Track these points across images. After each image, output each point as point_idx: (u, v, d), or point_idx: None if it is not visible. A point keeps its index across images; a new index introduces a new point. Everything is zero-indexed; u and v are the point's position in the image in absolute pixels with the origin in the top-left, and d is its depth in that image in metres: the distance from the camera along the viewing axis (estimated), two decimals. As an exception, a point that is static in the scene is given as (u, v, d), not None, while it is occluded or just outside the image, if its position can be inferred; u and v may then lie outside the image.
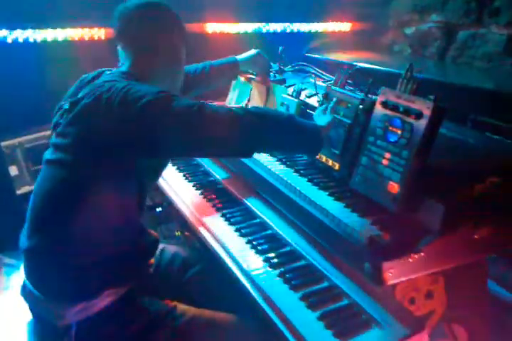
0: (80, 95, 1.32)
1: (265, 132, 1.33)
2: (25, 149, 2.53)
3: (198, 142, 1.28)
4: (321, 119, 1.49)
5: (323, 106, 1.55)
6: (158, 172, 1.56)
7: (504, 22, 2.30)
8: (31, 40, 2.28)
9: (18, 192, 2.50)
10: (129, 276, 1.40)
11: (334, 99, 1.51)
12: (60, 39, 2.35)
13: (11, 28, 2.23)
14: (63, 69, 2.12)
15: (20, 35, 2.25)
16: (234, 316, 1.49)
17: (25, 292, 1.39)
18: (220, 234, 1.59)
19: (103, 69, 1.50)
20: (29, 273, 1.38)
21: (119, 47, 1.49)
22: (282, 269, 1.39)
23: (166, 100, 1.23)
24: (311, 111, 1.72)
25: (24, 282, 1.40)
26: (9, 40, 2.24)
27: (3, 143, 2.46)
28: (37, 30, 2.28)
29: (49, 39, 2.32)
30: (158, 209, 2.63)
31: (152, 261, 1.59)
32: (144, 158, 1.33)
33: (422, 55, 2.74)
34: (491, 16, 2.36)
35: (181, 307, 1.47)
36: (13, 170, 2.52)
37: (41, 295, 1.34)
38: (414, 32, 2.78)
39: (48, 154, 1.36)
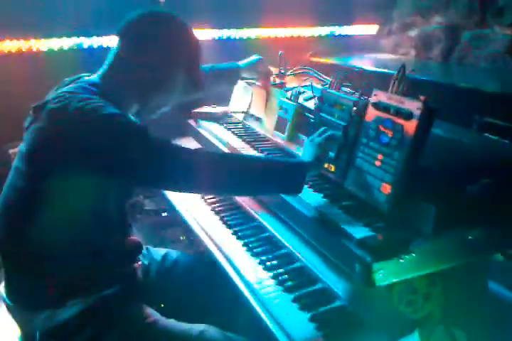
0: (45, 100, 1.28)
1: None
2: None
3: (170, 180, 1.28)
4: (306, 151, 1.44)
5: (313, 135, 1.49)
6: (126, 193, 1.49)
7: (508, 22, 2.28)
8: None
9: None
10: (95, 285, 1.33)
11: (322, 129, 1.49)
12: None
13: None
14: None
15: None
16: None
17: (3, 302, 1.36)
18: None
19: (82, 74, 1.41)
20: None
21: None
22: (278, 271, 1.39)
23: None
24: (308, 114, 1.72)
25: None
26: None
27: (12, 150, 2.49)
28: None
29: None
30: (164, 214, 2.66)
31: (137, 265, 1.51)
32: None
33: (426, 57, 2.73)
34: (494, 17, 2.34)
35: (163, 322, 1.37)
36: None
37: (10, 302, 1.32)
38: (418, 34, 2.77)
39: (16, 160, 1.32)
